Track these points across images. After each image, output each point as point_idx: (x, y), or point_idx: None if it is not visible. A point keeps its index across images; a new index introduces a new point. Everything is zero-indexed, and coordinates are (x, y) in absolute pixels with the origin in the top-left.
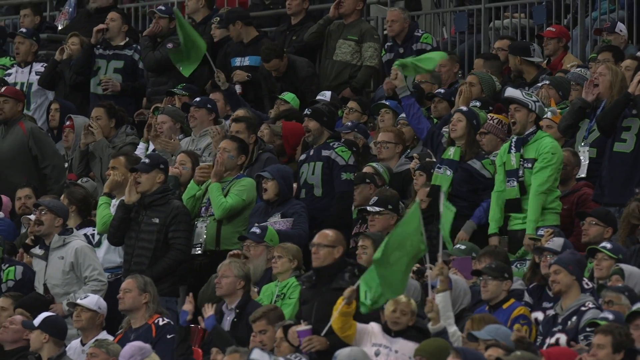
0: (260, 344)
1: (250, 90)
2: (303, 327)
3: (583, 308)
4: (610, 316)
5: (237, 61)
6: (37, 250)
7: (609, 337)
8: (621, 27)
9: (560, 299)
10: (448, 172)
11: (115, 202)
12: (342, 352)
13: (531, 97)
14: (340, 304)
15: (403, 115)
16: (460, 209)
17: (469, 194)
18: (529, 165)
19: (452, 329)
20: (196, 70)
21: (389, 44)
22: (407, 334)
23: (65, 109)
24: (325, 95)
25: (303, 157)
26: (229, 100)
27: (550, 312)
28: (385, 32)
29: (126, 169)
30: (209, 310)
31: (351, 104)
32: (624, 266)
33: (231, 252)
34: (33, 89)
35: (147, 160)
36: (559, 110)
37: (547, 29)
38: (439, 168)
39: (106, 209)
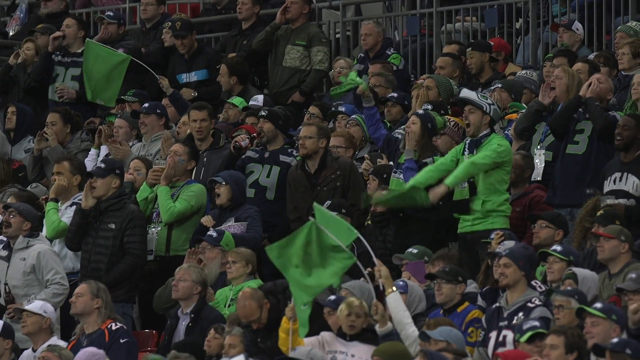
0: None
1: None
2: None
3: (530, 304)
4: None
5: (184, 77)
6: (1, 252)
7: (561, 338)
8: (578, 25)
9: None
10: (402, 177)
11: (61, 207)
12: (301, 348)
13: (486, 99)
14: (287, 324)
15: (353, 116)
16: (417, 212)
17: None
18: None
19: (410, 329)
20: (144, 80)
21: (361, 54)
22: (363, 337)
23: (21, 113)
24: (258, 100)
25: (252, 154)
26: (175, 104)
27: (496, 304)
28: (337, 36)
29: (71, 174)
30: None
31: (312, 109)
32: (576, 270)
33: (189, 250)
34: None
35: (102, 165)
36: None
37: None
38: (395, 172)
39: (54, 215)
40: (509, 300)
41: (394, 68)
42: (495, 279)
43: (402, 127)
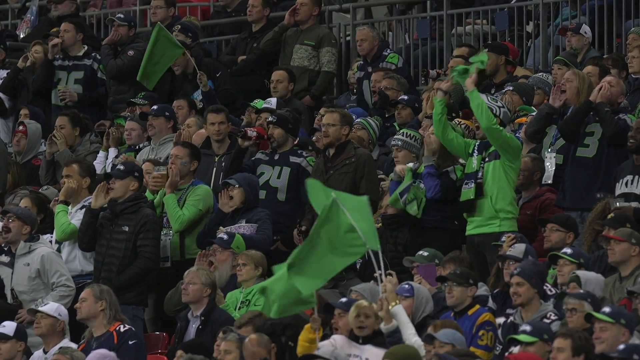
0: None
1: None
2: None
3: (546, 320)
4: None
5: (195, 95)
6: (2, 258)
7: (568, 341)
8: (586, 29)
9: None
10: (422, 185)
11: (71, 210)
12: (325, 348)
13: (496, 102)
14: (309, 331)
15: (359, 120)
16: (434, 222)
17: (442, 205)
18: (489, 159)
19: (414, 339)
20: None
21: (360, 62)
22: (376, 340)
23: (34, 115)
24: (271, 103)
25: (262, 156)
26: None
27: (510, 318)
28: (347, 38)
29: (80, 177)
30: None
31: (323, 112)
32: (580, 273)
33: (200, 253)
34: None
35: (121, 167)
36: None
37: None
38: (414, 183)
39: (64, 217)
40: (524, 318)
41: (393, 67)
42: (506, 282)
43: (397, 135)
